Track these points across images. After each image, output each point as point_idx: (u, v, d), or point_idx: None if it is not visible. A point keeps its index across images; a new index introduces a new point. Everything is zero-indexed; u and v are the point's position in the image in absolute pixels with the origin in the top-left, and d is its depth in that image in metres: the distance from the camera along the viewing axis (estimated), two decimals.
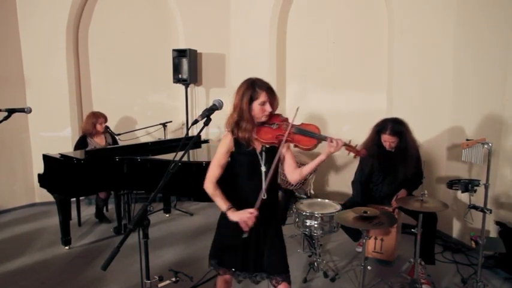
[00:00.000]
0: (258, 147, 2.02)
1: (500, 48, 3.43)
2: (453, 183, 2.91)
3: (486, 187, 2.75)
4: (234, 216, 1.93)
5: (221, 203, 1.98)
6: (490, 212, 2.78)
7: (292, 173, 2.14)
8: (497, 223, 3.38)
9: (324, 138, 1.95)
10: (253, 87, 1.94)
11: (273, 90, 1.99)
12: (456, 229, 3.97)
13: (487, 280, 3.02)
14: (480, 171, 3.51)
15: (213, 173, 2.04)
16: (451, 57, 3.93)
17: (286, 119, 2.04)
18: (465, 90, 3.84)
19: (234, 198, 2.02)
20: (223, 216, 2.07)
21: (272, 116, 2.02)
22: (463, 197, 3.67)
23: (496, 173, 3.44)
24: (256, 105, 1.94)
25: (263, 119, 1.99)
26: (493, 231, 3.49)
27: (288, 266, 2.11)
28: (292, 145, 2.04)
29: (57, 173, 3.68)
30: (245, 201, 1.98)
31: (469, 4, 3.75)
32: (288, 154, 2.13)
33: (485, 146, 2.77)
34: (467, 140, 2.91)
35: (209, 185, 2.03)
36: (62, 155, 3.70)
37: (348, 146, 1.99)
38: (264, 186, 1.97)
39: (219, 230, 2.16)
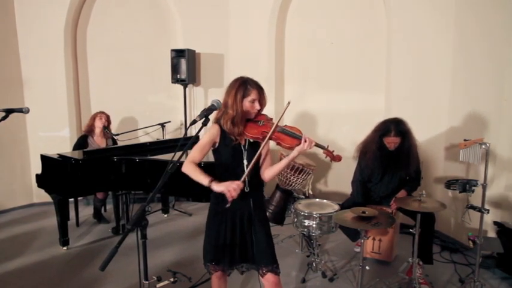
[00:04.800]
0: (242, 142, 2.11)
1: (497, 49, 3.44)
2: (451, 184, 2.92)
3: (484, 187, 2.76)
4: (219, 186, 1.95)
5: (202, 178, 1.99)
6: (488, 212, 2.78)
7: (267, 170, 2.22)
8: (495, 223, 3.39)
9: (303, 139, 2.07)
10: (245, 85, 2.05)
11: (263, 89, 2.10)
12: (454, 229, 3.98)
13: (485, 280, 3.03)
14: (478, 172, 3.52)
15: (193, 155, 2.07)
16: (449, 58, 3.95)
17: (271, 119, 2.14)
18: (463, 90, 3.85)
19: (225, 196, 2.07)
20: (209, 216, 2.20)
21: (258, 114, 2.12)
22: (461, 197, 3.68)
23: (493, 173, 3.45)
24: (246, 102, 2.04)
25: (250, 116, 2.10)
26: (490, 231, 3.50)
27: (275, 257, 2.16)
28: (274, 143, 2.13)
29: (55, 174, 3.67)
30: (237, 199, 2.03)
31: (467, 5, 3.76)
32: (265, 152, 2.20)
33: (483, 146, 2.77)
34: (465, 140, 2.91)
35: (188, 164, 2.04)
36: (60, 155, 3.69)
37: (326, 151, 2.15)
38: (244, 175, 2.02)
39: (206, 230, 2.22)
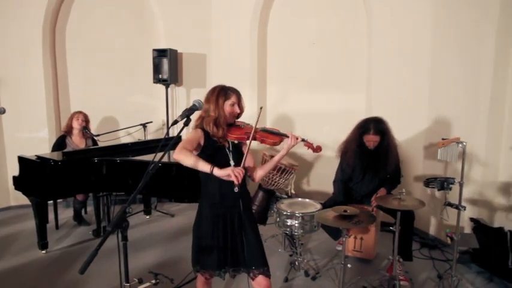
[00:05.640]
0: (225, 144, 2.17)
1: (473, 52, 3.52)
2: (430, 182, 2.99)
3: (461, 185, 2.82)
4: (224, 171, 1.96)
5: (204, 165, 1.98)
6: (464, 209, 2.85)
7: (257, 170, 2.29)
8: (471, 220, 3.49)
9: (285, 135, 2.18)
10: (225, 90, 2.14)
11: (241, 94, 2.19)
12: (433, 226, 4.07)
13: (461, 275, 3.11)
14: (455, 170, 3.61)
15: (184, 145, 2.03)
16: (428, 59, 4.02)
17: (249, 124, 2.25)
18: (441, 90, 3.93)
19: (207, 193, 2.15)
20: (198, 219, 2.20)
21: (237, 120, 2.23)
22: (439, 194, 3.76)
23: (470, 171, 3.55)
24: (227, 106, 2.12)
25: (231, 120, 2.16)
26: (467, 227, 3.59)
27: (266, 259, 2.17)
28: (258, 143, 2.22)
29: (34, 175, 3.59)
30: (218, 195, 2.11)
31: (445, 6, 3.84)
32: (249, 154, 2.23)
33: (460, 145, 2.84)
34: (442, 139, 2.97)
35: (183, 151, 1.98)
36: (39, 157, 3.62)
37: (307, 143, 2.25)
38: (242, 163, 2.06)
39: (195, 233, 2.22)
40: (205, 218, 2.15)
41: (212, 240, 2.12)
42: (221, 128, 2.08)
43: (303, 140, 2.19)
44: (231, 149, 2.17)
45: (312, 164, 5.12)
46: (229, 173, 1.94)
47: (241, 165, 2.04)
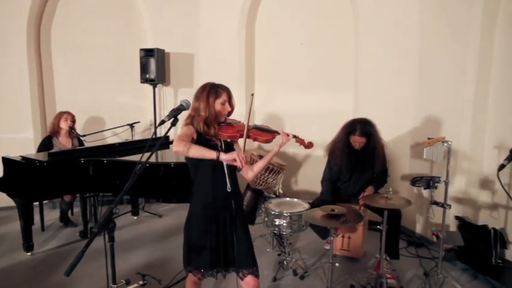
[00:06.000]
0: (217, 143, 2.16)
1: (458, 52, 3.59)
2: (416, 181, 3.02)
3: (446, 183, 2.87)
4: (229, 155, 1.96)
5: (208, 152, 1.96)
6: (450, 208, 2.90)
7: (250, 169, 2.31)
8: (457, 218, 3.55)
9: (276, 132, 2.22)
10: (215, 88, 2.12)
11: (231, 92, 2.18)
12: (419, 224, 4.13)
13: (447, 272, 3.16)
14: (441, 169, 3.65)
15: (181, 137, 1.99)
16: (414, 60, 4.07)
17: (240, 121, 2.25)
18: (427, 90, 3.99)
19: (199, 193, 2.14)
20: (189, 219, 2.18)
21: (228, 118, 2.21)
22: (426, 193, 3.82)
23: (455, 170, 3.61)
24: (218, 104, 2.11)
25: (222, 118, 2.15)
26: (452, 225, 3.65)
27: (255, 260, 2.18)
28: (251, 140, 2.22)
29: (19, 177, 3.54)
30: (211, 194, 2.11)
31: (431, 8, 3.90)
32: (238, 149, 2.24)
33: (445, 145, 2.88)
34: (428, 138, 3.01)
35: (184, 143, 1.95)
36: (24, 158, 3.56)
37: (298, 139, 2.28)
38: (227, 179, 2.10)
39: (186, 233, 2.20)
40: (197, 218, 2.14)
41: (205, 241, 2.11)
42: (212, 127, 2.07)
43: (294, 136, 2.21)
44: (223, 147, 2.16)
45: (300, 163, 5.14)
46: (235, 157, 1.93)
47: (242, 152, 2.07)
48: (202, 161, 2.05)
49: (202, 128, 2.06)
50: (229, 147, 2.19)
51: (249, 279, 2.13)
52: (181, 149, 1.94)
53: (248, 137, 2.14)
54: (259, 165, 2.32)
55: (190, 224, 2.18)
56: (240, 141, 2.18)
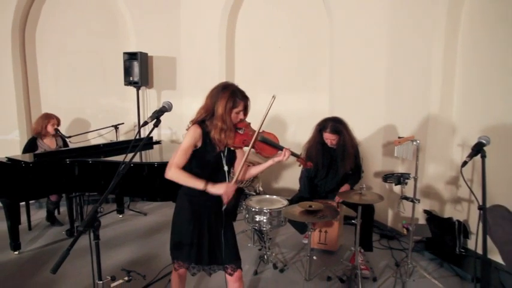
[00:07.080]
0: (221, 148, 2.13)
1: (425, 54, 3.73)
2: (387, 177, 3.17)
3: (415, 180, 3.01)
4: (216, 189, 2.00)
5: (196, 182, 2.00)
6: (419, 202, 3.05)
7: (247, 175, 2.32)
8: (425, 211, 3.74)
9: (281, 148, 2.17)
10: (234, 97, 2.06)
11: (249, 99, 2.14)
12: (391, 218, 4.29)
13: (416, 262, 3.31)
14: (410, 166, 3.82)
15: (178, 161, 2.03)
16: (383, 60, 4.21)
17: (249, 124, 2.18)
18: (396, 91, 4.13)
19: (197, 194, 2.08)
20: (176, 215, 2.20)
21: (239, 122, 2.15)
22: (397, 189, 3.96)
23: (423, 167, 3.77)
24: (233, 113, 2.07)
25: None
26: (421, 218, 3.83)
27: (239, 254, 2.24)
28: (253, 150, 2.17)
29: (4, 177, 3.56)
30: (209, 197, 2.08)
31: (398, 9, 4.04)
32: (239, 155, 2.27)
33: (414, 143, 3.04)
34: (399, 137, 3.17)
35: (176, 171, 2.02)
36: (9, 159, 3.59)
37: (299, 158, 2.29)
38: (235, 177, 2.09)
39: (173, 229, 2.22)
40: (184, 213, 2.15)
41: (192, 236, 2.12)
42: (228, 137, 2.05)
43: (294, 155, 2.21)
44: (225, 153, 2.14)
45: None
46: (222, 194, 2.00)
47: (233, 181, 2.05)
48: (200, 162, 2.08)
49: (219, 136, 2.02)
50: (230, 153, 2.17)
51: (237, 273, 2.18)
52: (172, 177, 2.02)
53: (254, 148, 2.10)
54: (252, 172, 2.31)
55: (178, 217, 2.19)
56: (245, 148, 2.14)
